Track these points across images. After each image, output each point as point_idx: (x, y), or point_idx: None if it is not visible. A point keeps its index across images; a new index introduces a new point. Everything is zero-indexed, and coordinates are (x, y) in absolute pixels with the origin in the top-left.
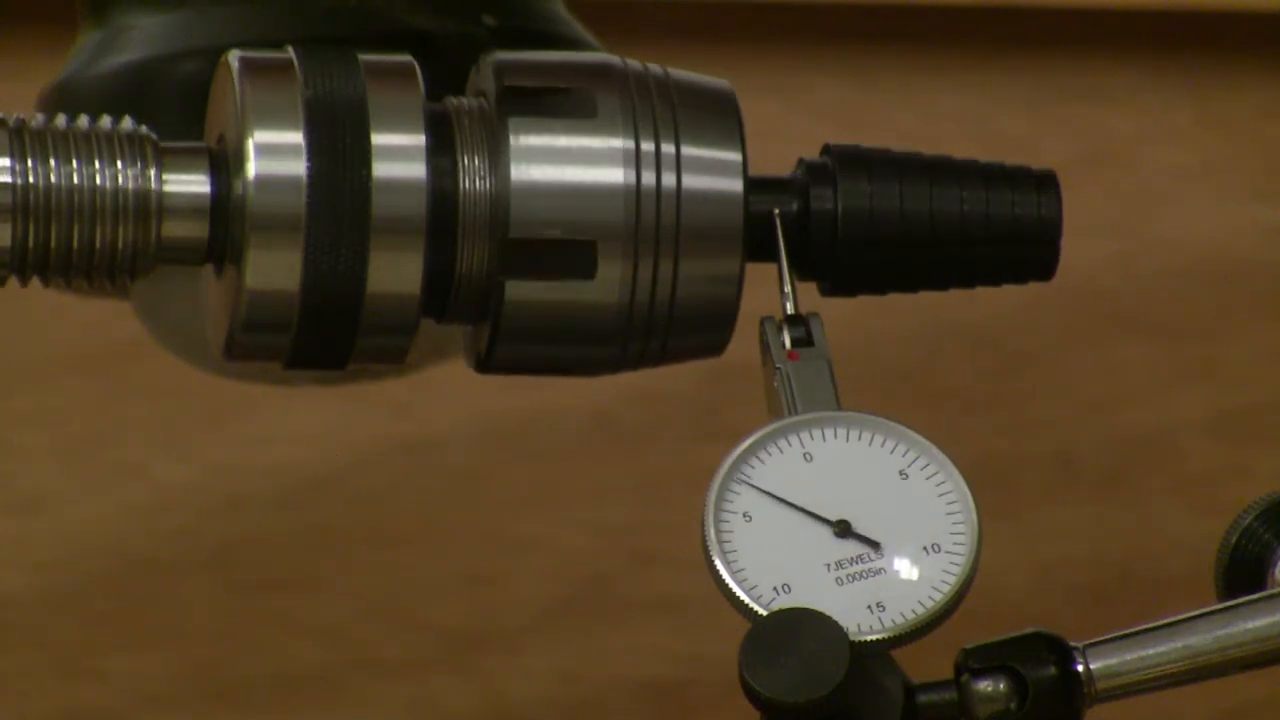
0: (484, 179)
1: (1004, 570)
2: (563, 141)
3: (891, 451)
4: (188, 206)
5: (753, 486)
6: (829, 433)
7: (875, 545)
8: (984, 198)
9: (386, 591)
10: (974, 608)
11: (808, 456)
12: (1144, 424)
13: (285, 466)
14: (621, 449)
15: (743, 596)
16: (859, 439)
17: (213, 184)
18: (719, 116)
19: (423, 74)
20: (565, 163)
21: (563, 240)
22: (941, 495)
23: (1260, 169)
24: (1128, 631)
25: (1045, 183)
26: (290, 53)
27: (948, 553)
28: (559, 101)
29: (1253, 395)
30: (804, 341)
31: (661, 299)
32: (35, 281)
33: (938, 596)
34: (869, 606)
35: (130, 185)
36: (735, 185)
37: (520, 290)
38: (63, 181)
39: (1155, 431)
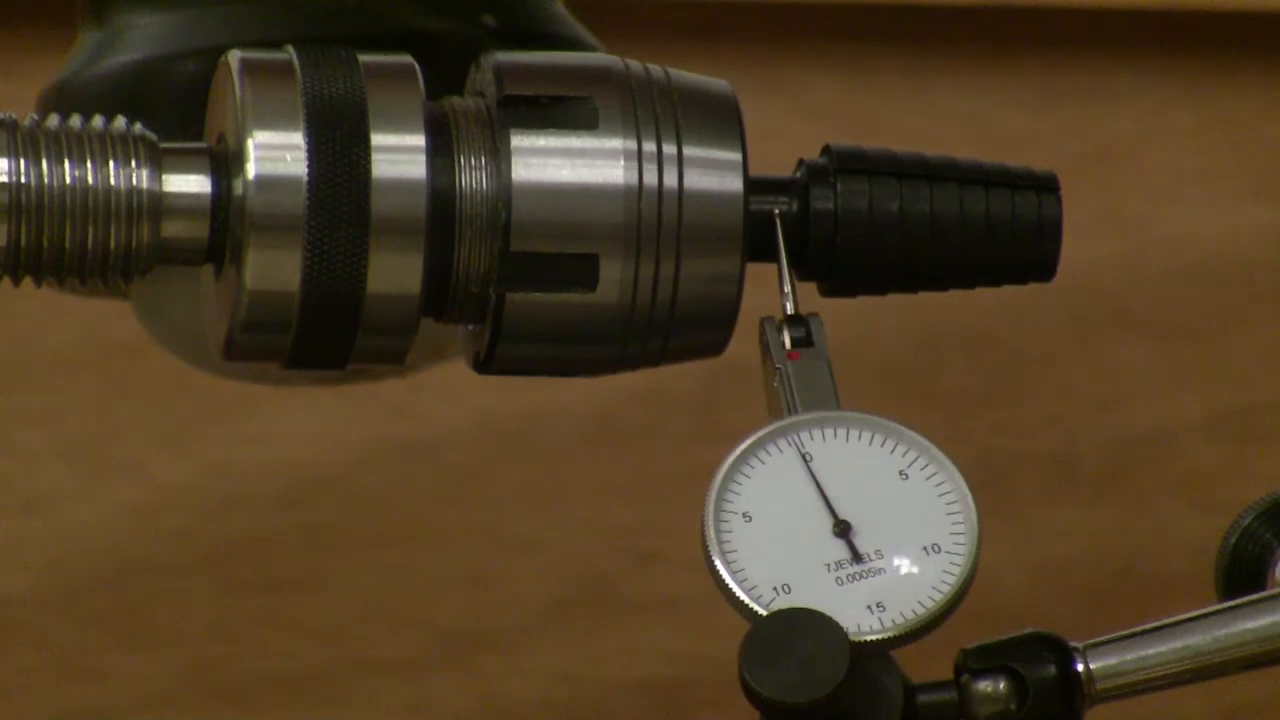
0: (484, 179)
1: (1004, 570)
2: (563, 142)
3: (891, 451)
4: (188, 207)
5: (753, 486)
6: (829, 433)
7: (875, 546)
8: (984, 198)
9: (386, 591)
10: (974, 608)
11: (808, 456)
12: (1144, 424)
13: (285, 466)
14: (621, 449)
15: (742, 596)
16: (859, 439)
17: (213, 184)
18: (719, 117)
19: (423, 74)
20: (565, 163)
21: (564, 243)
22: (941, 495)
23: (1260, 169)
24: (1128, 631)
25: (1046, 184)
26: (290, 53)
27: (948, 553)
28: (559, 103)
29: (1253, 395)
30: (804, 341)
31: (662, 299)
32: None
33: (938, 596)
34: (869, 606)
35: (131, 186)
36: (736, 185)
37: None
38: (64, 182)
39: (1155, 431)
